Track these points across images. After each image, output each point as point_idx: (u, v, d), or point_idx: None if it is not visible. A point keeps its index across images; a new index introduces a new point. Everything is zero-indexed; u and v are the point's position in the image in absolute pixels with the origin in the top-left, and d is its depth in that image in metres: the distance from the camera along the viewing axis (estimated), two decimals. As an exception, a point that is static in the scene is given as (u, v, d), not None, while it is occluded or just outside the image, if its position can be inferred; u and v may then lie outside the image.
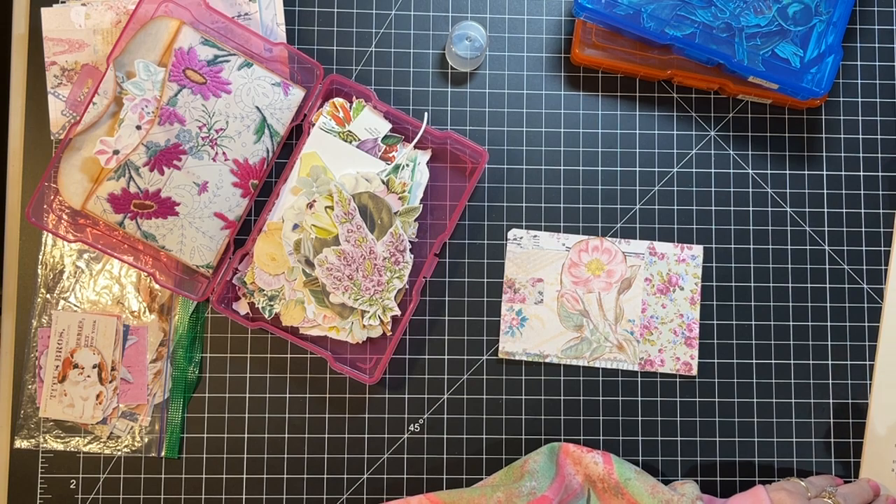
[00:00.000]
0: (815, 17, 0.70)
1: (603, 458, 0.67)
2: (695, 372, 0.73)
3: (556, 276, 0.73)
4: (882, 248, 0.75)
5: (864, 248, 0.75)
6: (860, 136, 0.75)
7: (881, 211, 0.75)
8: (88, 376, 0.72)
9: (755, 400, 0.73)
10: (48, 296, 0.72)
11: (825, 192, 0.75)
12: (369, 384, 0.72)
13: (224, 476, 0.72)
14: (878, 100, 0.76)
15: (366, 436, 0.73)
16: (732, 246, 0.74)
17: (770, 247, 0.75)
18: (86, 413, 0.72)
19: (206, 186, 0.69)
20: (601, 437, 0.73)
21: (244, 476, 0.72)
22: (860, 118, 0.76)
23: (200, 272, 0.71)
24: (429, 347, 0.73)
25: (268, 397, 0.73)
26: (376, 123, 0.72)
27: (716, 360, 0.74)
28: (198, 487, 0.72)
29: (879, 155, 0.76)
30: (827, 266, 0.75)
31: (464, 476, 0.72)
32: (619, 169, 0.75)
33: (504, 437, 0.73)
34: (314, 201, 0.70)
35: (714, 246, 0.74)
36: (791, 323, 0.74)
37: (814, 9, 0.70)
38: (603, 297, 0.73)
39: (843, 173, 0.75)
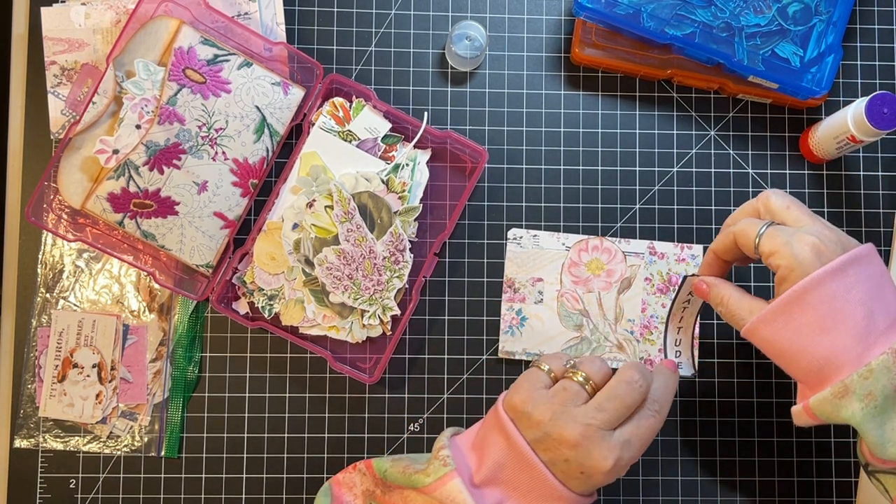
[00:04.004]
0: (814, 16, 0.70)
1: (366, 465, 0.63)
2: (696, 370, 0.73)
3: (555, 276, 0.73)
4: (882, 248, 0.75)
5: None
6: (860, 136, 0.75)
7: (881, 211, 0.75)
8: (88, 376, 0.72)
9: (755, 399, 0.73)
10: (48, 295, 0.72)
11: (825, 191, 0.75)
12: (369, 384, 0.72)
13: (224, 476, 0.72)
14: (878, 99, 0.76)
15: (365, 435, 0.73)
16: (732, 245, 0.74)
17: (770, 246, 0.74)
18: (85, 412, 0.71)
19: (205, 186, 0.69)
20: (601, 437, 0.73)
21: (244, 476, 0.72)
22: (860, 118, 0.76)
23: (200, 271, 0.71)
24: (429, 347, 0.73)
25: (267, 397, 0.73)
26: (376, 123, 0.71)
27: (716, 360, 0.74)
28: (197, 487, 0.72)
29: (879, 155, 0.75)
30: (827, 266, 0.74)
31: (463, 476, 0.72)
32: (619, 168, 0.75)
33: (504, 436, 0.73)
34: (314, 201, 0.70)
35: (714, 245, 0.74)
36: (791, 323, 0.74)
37: (814, 8, 0.70)
38: (603, 297, 0.73)
39: (843, 173, 0.75)
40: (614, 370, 0.60)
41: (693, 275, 0.65)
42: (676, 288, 0.67)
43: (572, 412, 0.57)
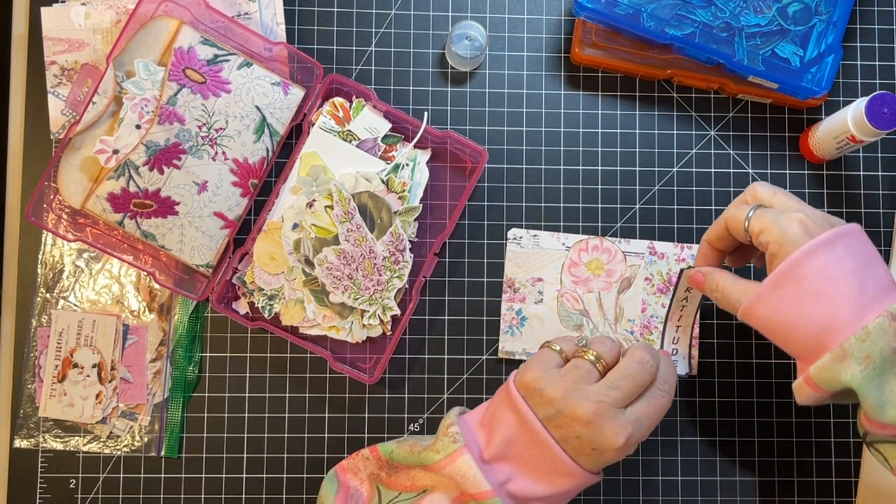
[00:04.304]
0: (814, 16, 0.70)
1: (370, 450, 0.63)
2: (694, 371, 0.73)
3: (556, 276, 0.73)
4: (882, 248, 0.75)
5: None
6: (860, 136, 0.75)
7: (881, 211, 0.75)
8: (88, 376, 0.72)
9: (755, 399, 0.73)
10: (48, 295, 0.72)
11: (825, 191, 0.75)
12: (369, 384, 0.72)
13: (224, 475, 0.72)
14: (878, 99, 0.76)
15: (365, 435, 0.73)
16: (732, 245, 0.74)
17: (770, 246, 0.74)
18: (85, 412, 0.71)
19: (205, 186, 0.69)
20: (601, 437, 0.73)
21: (244, 475, 0.72)
22: (860, 118, 0.76)
23: (200, 271, 0.71)
24: (428, 347, 0.73)
25: (267, 397, 0.73)
26: (376, 123, 0.72)
27: (716, 360, 0.74)
28: (197, 487, 0.72)
29: (879, 155, 0.76)
30: (827, 266, 0.74)
31: (463, 476, 0.72)
32: (619, 168, 0.75)
33: (504, 436, 0.73)
34: (314, 201, 0.70)
35: (714, 245, 0.74)
36: (791, 323, 0.74)
37: (814, 8, 0.70)
38: (603, 297, 0.73)
39: (843, 173, 0.75)
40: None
41: (689, 267, 0.65)
42: (674, 284, 0.67)
43: (585, 390, 0.58)
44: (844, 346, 0.53)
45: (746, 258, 0.65)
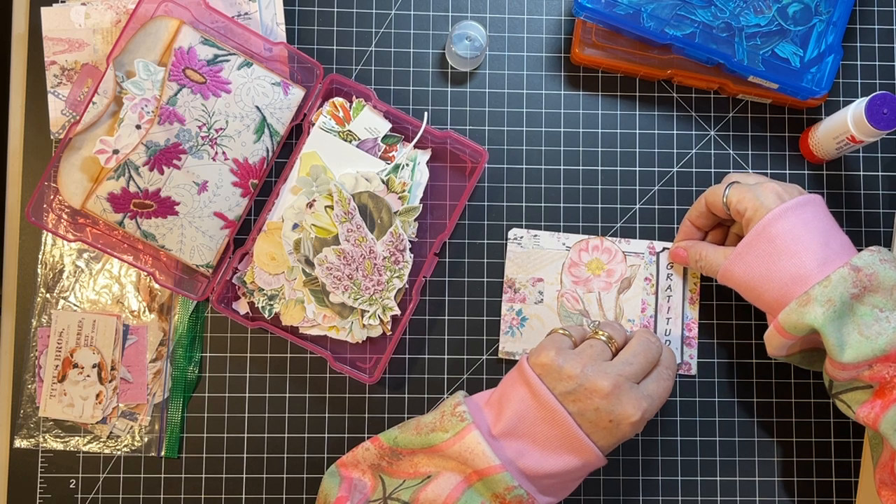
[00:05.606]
0: (814, 16, 0.70)
1: (371, 441, 0.64)
2: (694, 371, 0.73)
3: (556, 276, 0.73)
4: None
5: (863, 248, 0.75)
6: (860, 136, 0.75)
7: (881, 211, 0.75)
8: (88, 376, 0.72)
9: (755, 399, 0.73)
10: (48, 295, 0.72)
11: (825, 191, 0.75)
12: (369, 384, 0.72)
13: (224, 476, 0.72)
14: (878, 99, 0.76)
15: (365, 435, 0.73)
16: (732, 246, 0.74)
17: (770, 246, 0.74)
18: (85, 413, 0.72)
19: (205, 186, 0.69)
20: (601, 437, 0.73)
21: (244, 476, 0.72)
22: (860, 118, 0.76)
23: (200, 272, 0.71)
24: (429, 347, 0.73)
25: (267, 397, 0.73)
26: (376, 123, 0.72)
27: (716, 360, 0.74)
28: (197, 487, 0.72)
29: (879, 155, 0.76)
30: (827, 266, 0.74)
31: (463, 476, 0.72)
32: (618, 168, 0.75)
33: (504, 436, 0.73)
34: (314, 201, 0.70)
35: (714, 246, 0.74)
36: (791, 323, 0.74)
37: (814, 8, 0.70)
38: (603, 297, 0.73)
39: (842, 173, 0.75)
40: None
41: (666, 248, 0.71)
42: (655, 275, 0.72)
43: (602, 365, 0.61)
44: (809, 293, 0.59)
45: (720, 240, 0.70)
